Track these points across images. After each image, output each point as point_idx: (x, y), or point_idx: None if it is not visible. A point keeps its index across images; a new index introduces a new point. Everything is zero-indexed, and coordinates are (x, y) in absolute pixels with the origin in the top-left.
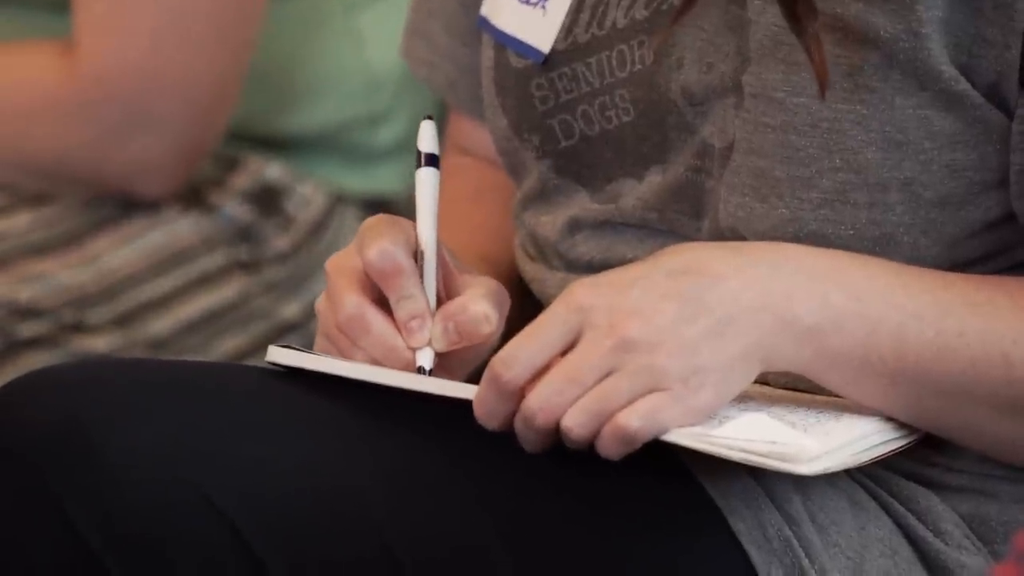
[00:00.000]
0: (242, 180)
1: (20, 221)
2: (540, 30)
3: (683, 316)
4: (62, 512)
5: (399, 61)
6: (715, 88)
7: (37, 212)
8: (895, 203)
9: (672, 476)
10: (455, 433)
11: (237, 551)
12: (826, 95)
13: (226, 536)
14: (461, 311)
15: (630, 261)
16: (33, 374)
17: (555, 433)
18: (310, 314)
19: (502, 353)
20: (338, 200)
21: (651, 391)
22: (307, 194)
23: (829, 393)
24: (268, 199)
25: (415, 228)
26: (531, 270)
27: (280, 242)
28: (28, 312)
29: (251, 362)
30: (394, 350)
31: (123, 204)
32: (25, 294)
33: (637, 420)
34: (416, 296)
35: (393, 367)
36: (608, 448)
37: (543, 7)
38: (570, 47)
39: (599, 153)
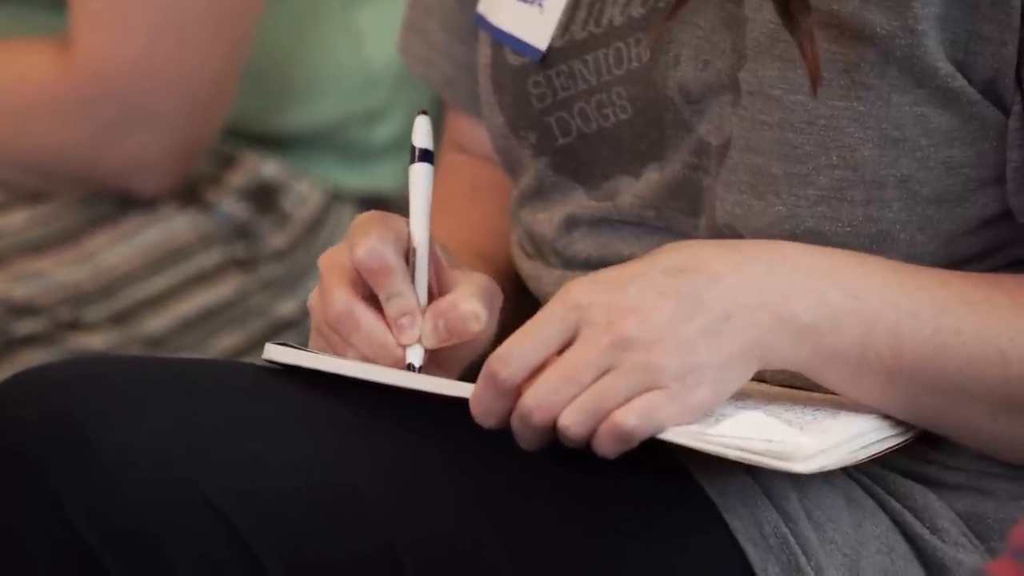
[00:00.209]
0: (238, 177)
1: (16, 219)
2: (537, 28)
3: (680, 314)
4: (59, 509)
5: (396, 58)
6: (712, 85)
7: (33, 210)
8: (892, 200)
9: (669, 474)
10: (452, 431)
11: (234, 548)
12: (822, 92)
13: (223, 533)
14: (451, 308)
15: (627, 259)
16: (29, 371)
17: (552, 431)
18: (306, 312)
19: (499, 351)
20: (335, 197)
21: (648, 389)
22: (304, 191)
23: (826, 391)
24: (265, 197)
25: (407, 224)
26: (528, 268)
27: (276, 240)
28: (24, 310)
29: (248, 360)
30: (384, 347)
31: (119, 202)
32: (21, 292)
33: (634, 418)
34: (406, 293)
35: (383, 364)
36: (605, 446)
37: (540, 4)
38: (567, 45)
39: (596, 151)
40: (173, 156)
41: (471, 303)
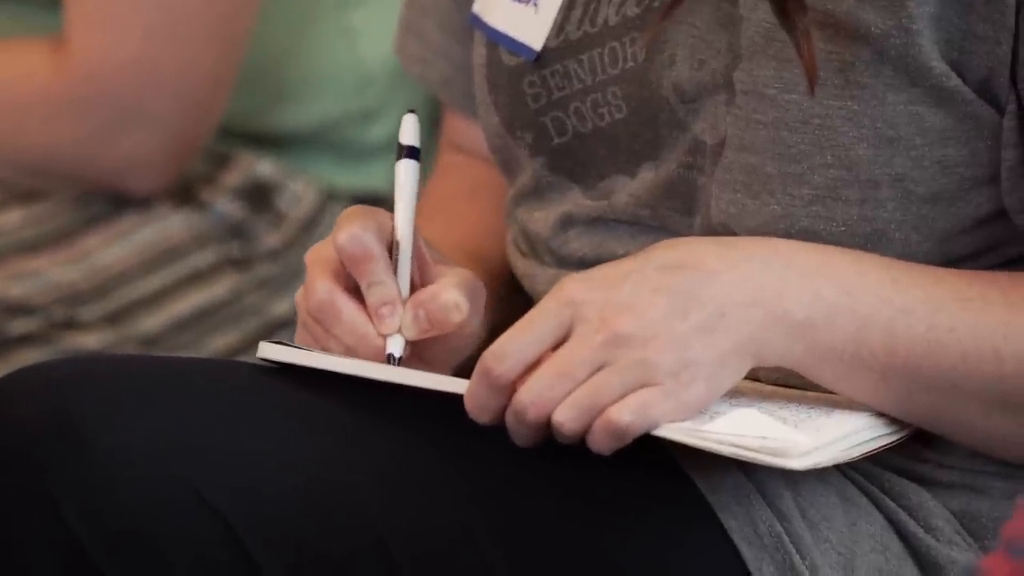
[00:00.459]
0: (233, 177)
1: (11, 218)
2: (532, 28)
3: (675, 311)
4: (54, 508)
5: (392, 58)
6: (707, 85)
7: (28, 209)
8: (886, 199)
9: (663, 471)
10: (447, 428)
11: (230, 547)
12: (817, 92)
13: (219, 532)
14: (432, 299)
15: (621, 258)
16: (24, 370)
17: (546, 427)
18: None
19: (493, 347)
20: (330, 197)
21: (642, 386)
22: (298, 191)
23: (820, 389)
24: (259, 196)
25: (393, 219)
26: (523, 266)
27: (271, 239)
28: (19, 309)
29: (243, 359)
30: (365, 337)
31: (115, 201)
32: (16, 291)
33: (628, 415)
34: (387, 283)
35: (364, 354)
36: (599, 443)
37: (535, 4)
38: (562, 44)
39: (592, 150)
40: (168, 155)
41: (452, 293)
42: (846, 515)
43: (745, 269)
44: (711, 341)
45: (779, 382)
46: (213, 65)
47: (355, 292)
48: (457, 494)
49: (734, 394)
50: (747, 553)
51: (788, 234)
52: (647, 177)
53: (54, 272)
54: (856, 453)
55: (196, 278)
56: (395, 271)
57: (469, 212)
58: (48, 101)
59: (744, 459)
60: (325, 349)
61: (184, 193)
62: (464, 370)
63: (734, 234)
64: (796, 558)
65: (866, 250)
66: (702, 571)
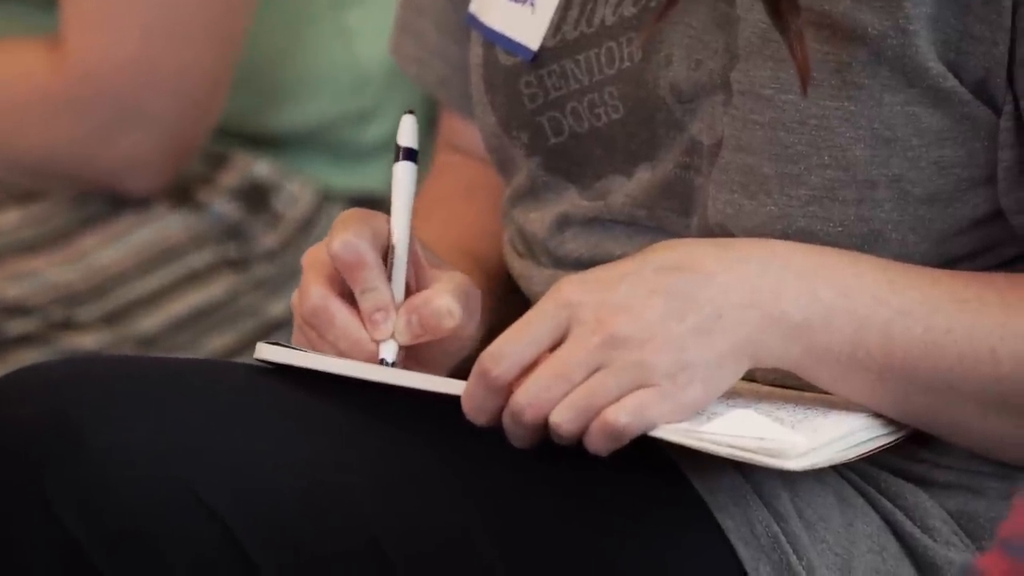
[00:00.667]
0: (230, 177)
1: (9, 218)
2: (529, 28)
3: (671, 312)
4: (52, 509)
5: (388, 58)
6: (704, 85)
7: (26, 209)
8: (883, 200)
9: (660, 472)
10: (444, 429)
11: (227, 547)
12: (814, 92)
13: (216, 532)
14: (425, 304)
15: (618, 258)
16: (22, 371)
17: (544, 429)
18: None
19: (490, 349)
20: (326, 197)
21: (639, 387)
22: (295, 191)
23: (817, 390)
24: (256, 196)
25: (389, 222)
26: (519, 267)
27: (268, 240)
28: (17, 309)
29: (240, 359)
30: (358, 342)
31: (112, 201)
32: (14, 291)
33: (625, 416)
34: (380, 288)
35: (358, 359)
36: (596, 444)
37: (532, 4)
38: (559, 44)
39: (588, 150)
40: (166, 155)
41: (444, 299)
42: (843, 515)
43: (742, 270)
44: (708, 342)
45: (776, 383)
46: (211, 65)
47: (350, 296)
48: (454, 495)
49: (731, 395)
50: (744, 553)
51: (785, 234)
52: (644, 177)
53: (51, 272)
54: (853, 454)
55: (193, 278)
56: (391, 274)
57: (466, 212)
58: (45, 101)
59: (741, 460)
60: (319, 352)
61: (181, 194)
62: (462, 371)
63: (731, 234)
64: (793, 558)
65: (863, 251)
66: (699, 571)
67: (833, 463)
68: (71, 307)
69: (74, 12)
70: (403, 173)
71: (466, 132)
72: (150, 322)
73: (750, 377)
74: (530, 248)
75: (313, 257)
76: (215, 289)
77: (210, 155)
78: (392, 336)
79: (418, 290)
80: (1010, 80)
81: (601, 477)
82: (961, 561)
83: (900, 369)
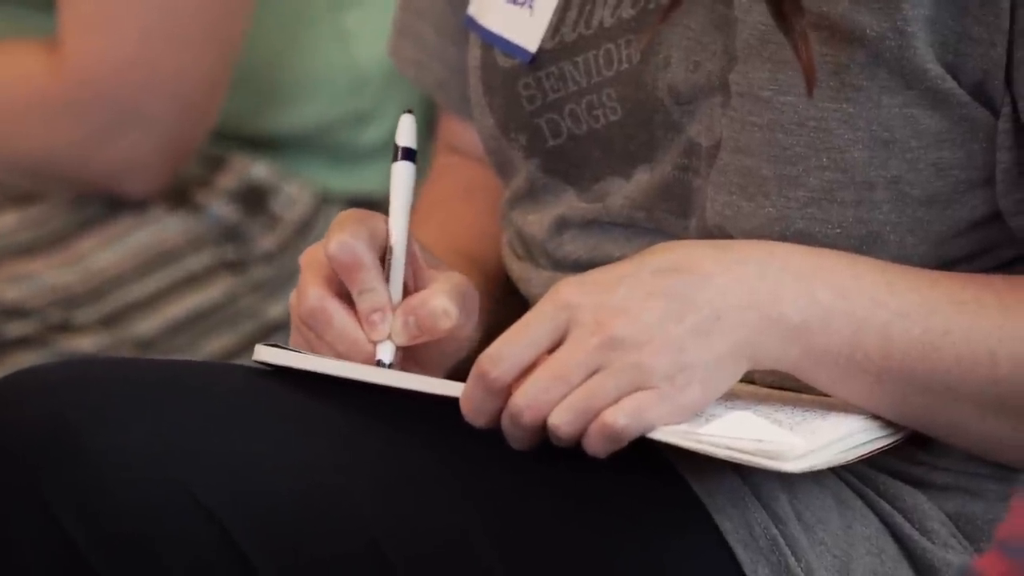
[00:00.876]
0: (228, 180)
1: (6, 221)
2: (527, 29)
3: (670, 314)
4: (49, 511)
5: (386, 60)
6: (702, 87)
7: (23, 212)
8: (882, 201)
9: (658, 474)
10: (443, 430)
11: (225, 550)
12: (813, 94)
13: (214, 535)
14: (421, 305)
15: (617, 260)
16: (20, 373)
17: (542, 430)
18: None
19: (489, 350)
20: (324, 199)
21: (638, 389)
22: (293, 194)
23: (815, 391)
24: (254, 199)
25: (387, 223)
26: (518, 269)
27: (266, 242)
28: (15, 312)
29: (238, 362)
30: (355, 343)
31: (109, 204)
32: (11, 294)
33: (623, 418)
34: (377, 289)
35: (355, 360)
36: (595, 446)
37: (530, 6)
38: (557, 46)
39: (587, 152)
40: (164, 157)
41: (441, 300)
42: (841, 518)
43: (740, 272)
44: (706, 344)
45: (774, 385)
46: (209, 67)
47: (347, 297)
48: (453, 497)
49: (730, 397)
50: (743, 556)
51: (783, 236)
52: (642, 179)
53: (49, 275)
54: (851, 456)
55: (191, 281)
56: (388, 275)
57: (464, 214)
58: (43, 103)
59: (740, 462)
60: (317, 354)
61: (179, 196)
62: (460, 373)
63: (729, 236)
64: (792, 561)
65: (861, 252)
66: (697, 573)
67: (832, 465)
68: (69, 309)
69: (72, 14)
70: (401, 173)
71: (465, 134)
72: (148, 324)
73: (748, 379)
74: (529, 250)
75: (311, 258)
76: (213, 291)
77: (208, 157)
78: (389, 337)
79: (416, 291)
80: (1008, 82)
81: (600, 479)
82: (959, 563)
83: (898, 371)
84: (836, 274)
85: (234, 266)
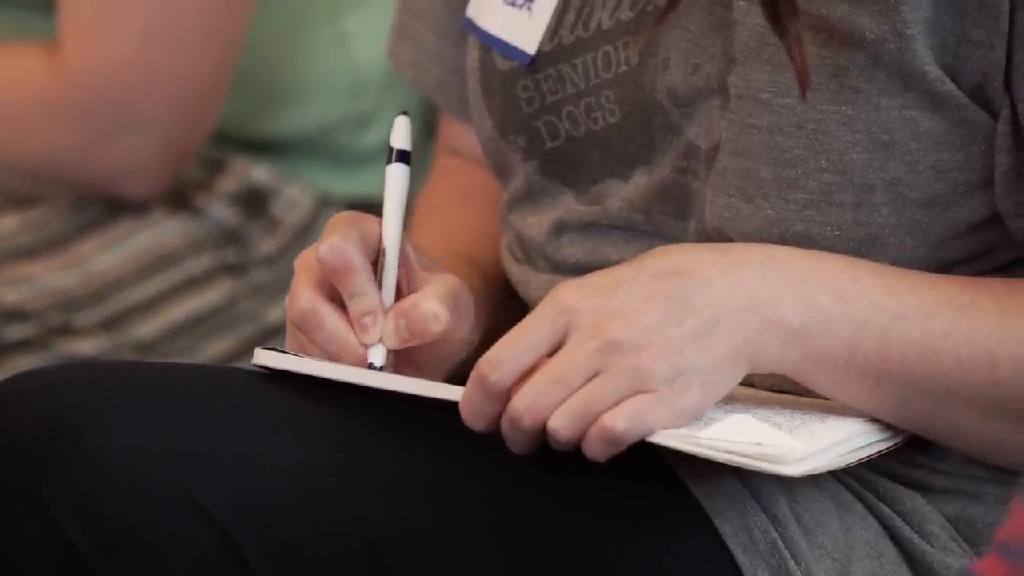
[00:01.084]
0: (228, 183)
1: (7, 223)
2: (526, 32)
3: (669, 317)
4: (49, 514)
5: (385, 63)
6: (701, 89)
7: (24, 214)
8: (881, 204)
9: (658, 478)
10: (442, 434)
11: (224, 552)
12: (812, 96)
13: (214, 537)
14: (412, 308)
15: (615, 263)
16: (20, 376)
17: (542, 434)
18: None
19: (488, 354)
20: (324, 202)
21: (637, 392)
22: (293, 197)
23: (815, 395)
24: (254, 202)
25: (381, 225)
26: (517, 272)
27: (266, 245)
28: (15, 315)
29: (238, 365)
30: (346, 346)
31: (109, 207)
32: (11, 297)
33: (623, 421)
34: (369, 292)
35: (347, 363)
36: (594, 449)
37: (528, 9)
38: (555, 48)
39: (585, 154)
40: (163, 160)
41: (432, 303)
42: (841, 521)
43: (739, 275)
44: (706, 347)
45: (774, 388)
46: (209, 70)
47: (341, 300)
48: (452, 500)
49: (729, 400)
50: (742, 559)
51: (782, 238)
52: (640, 181)
53: (49, 278)
54: (851, 459)
55: (191, 284)
56: (381, 277)
57: (464, 216)
58: (43, 106)
59: (739, 465)
60: (310, 356)
61: (179, 199)
62: (459, 376)
63: (728, 239)
64: (791, 564)
65: (860, 255)
66: None
67: (831, 468)
68: (69, 312)
69: (72, 17)
70: (395, 175)
71: (464, 136)
72: (148, 327)
73: (748, 382)
74: (527, 253)
75: (304, 261)
76: (213, 295)
77: (208, 160)
78: (381, 340)
79: (410, 293)
80: (1007, 84)
81: (599, 482)
82: (959, 566)
83: (898, 374)
84: (835, 277)
85: (234, 269)
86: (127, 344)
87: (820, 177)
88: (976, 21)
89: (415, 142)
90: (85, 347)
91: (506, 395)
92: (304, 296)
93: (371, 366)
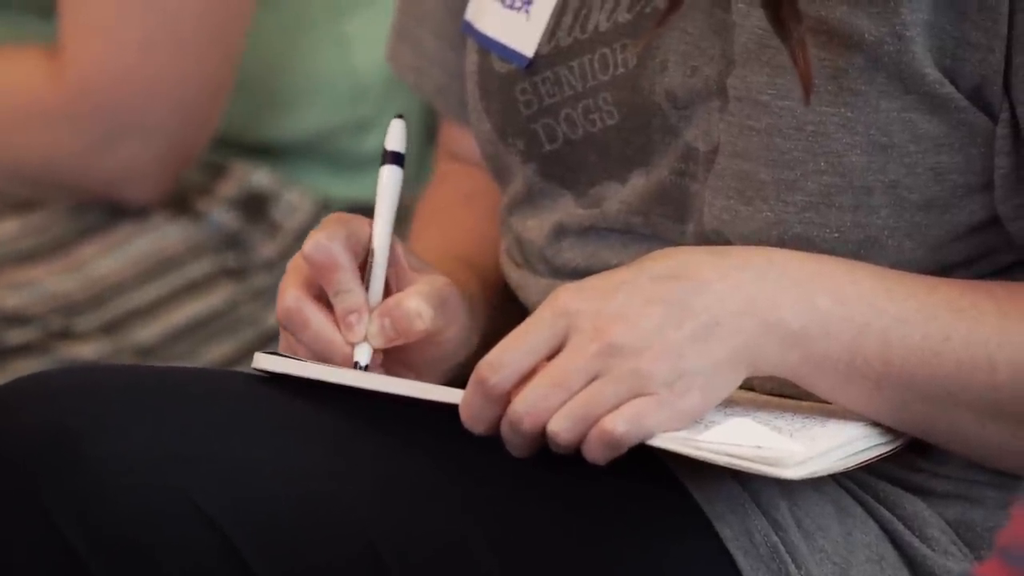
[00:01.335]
0: (229, 187)
1: (8, 228)
2: (523, 35)
3: (668, 320)
4: (49, 518)
5: (386, 67)
6: (699, 91)
7: (24, 219)
8: (880, 206)
9: (658, 481)
10: (442, 437)
11: (225, 557)
12: (811, 98)
13: (214, 542)
14: (396, 307)
15: (614, 267)
16: (21, 380)
17: (542, 437)
18: None
19: (488, 357)
20: (325, 207)
21: (637, 396)
22: (294, 201)
23: (815, 398)
24: (255, 206)
25: (371, 226)
26: (516, 277)
27: (267, 249)
28: (15, 319)
29: (238, 369)
30: (331, 344)
31: (110, 211)
32: (12, 301)
33: (623, 425)
34: (353, 291)
35: (332, 362)
36: (594, 452)
37: (526, 11)
38: (553, 51)
39: (583, 156)
40: (164, 165)
41: (415, 301)
42: (841, 525)
43: (738, 278)
44: (705, 350)
45: (774, 392)
46: (211, 74)
47: (328, 300)
48: (452, 504)
49: (729, 404)
50: (743, 563)
51: (781, 240)
52: (638, 184)
53: (50, 282)
54: (851, 463)
55: (192, 288)
56: (369, 277)
57: (464, 219)
58: (44, 112)
59: (739, 468)
60: (299, 356)
61: (180, 203)
62: (459, 379)
63: (727, 241)
64: (792, 568)
65: (859, 257)
66: None
67: (831, 472)
68: (70, 317)
69: (73, 21)
70: (388, 177)
71: (464, 140)
72: (149, 332)
73: (748, 386)
74: (526, 257)
75: (295, 263)
76: (214, 299)
77: (208, 165)
78: (366, 339)
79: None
80: (1006, 87)
81: (599, 486)
82: (960, 570)
83: (898, 377)
84: (835, 280)
85: (234, 274)
86: (128, 348)
87: (819, 179)
88: (975, 24)
89: (416, 146)
90: (86, 351)
91: (506, 398)
92: (290, 295)
93: (356, 365)
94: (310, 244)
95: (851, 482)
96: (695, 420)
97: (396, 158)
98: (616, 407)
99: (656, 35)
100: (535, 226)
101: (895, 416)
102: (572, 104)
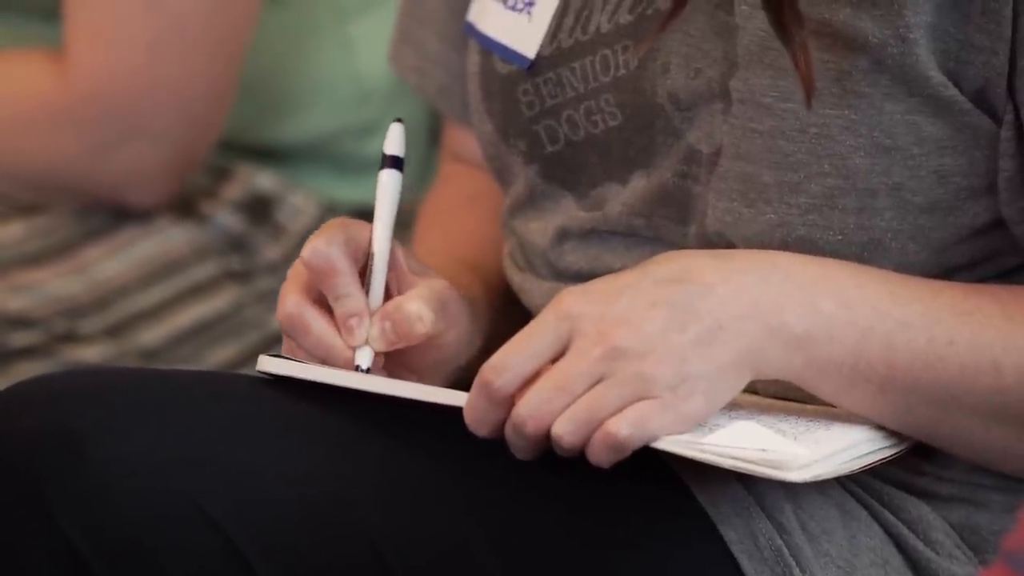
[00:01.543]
0: (233, 190)
1: (12, 231)
2: (525, 36)
3: (672, 324)
4: (53, 521)
5: (390, 70)
6: (702, 93)
7: (29, 222)
8: (883, 208)
9: (662, 484)
10: (445, 440)
11: (229, 559)
12: (814, 101)
13: (218, 544)
14: (396, 310)
15: (617, 271)
16: (25, 383)
17: (546, 440)
18: None
19: (492, 360)
20: (329, 210)
21: (640, 399)
22: (298, 204)
23: (819, 401)
24: (259, 209)
25: (371, 230)
26: (519, 280)
27: (271, 252)
28: (19, 322)
29: (243, 372)
30: (332, 349)
31: (115, 214)
32: (16, 304)
33: (626, 428)
34: (353, 295)
35: (333, 366)
36: (598, 455)
37: (528, 13)
38: (554, 52)
39: (584, 158)
40: (169, 168)
41: (416, 304)
42: (846, 528)
43: (742, 282)
44: (709, 354)
45: (778, 395)
46: (216, 78)
47: (329, 305)
48: (455, 506)
49: (733, 407)
50: (747, 566)
51: (785, 243)
52: (639, 185)
53: (55, 285)
54: (856, 466)
55: (196, 291)
56: (369, 281)
57: (467, 221)
58: (48, 116)
59: (744, 471)
60: (304, 361)
61: (184, 206)
62: (463, 382)
63: (730, 243)
64: (796, 571)
65: (863, 259)
66: None
67: (836, 475)
68: (74, 319)
69: (78, 24)
70: (387, 181)
71: (467, 142)
72: (153, 335)
73: (752, 389)
74: (529, 261)
75: (296, 268)
76: (218, 302)
77: (213, 168)
78: (367, 342)
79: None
80: (1010, 90)
81: (603, 489)
82: (964, 574)
83: (902, 380)
84: (838, 284)
85: (239, 276)
86: (132, 351)
87: (822, 181)
88: (979, 26)
89: (420, 150)
90: (90, 354)
91: (510, 401)
92: (290, 300)
93: (358, 368)
94: (308, 250)
95: (855, 485)
96: (699, 423)
97: (395, 162)
98: (620, 410)
99: (658, 37)
100: (538, 229)
101: (899, 419)
102: (574, 105)
